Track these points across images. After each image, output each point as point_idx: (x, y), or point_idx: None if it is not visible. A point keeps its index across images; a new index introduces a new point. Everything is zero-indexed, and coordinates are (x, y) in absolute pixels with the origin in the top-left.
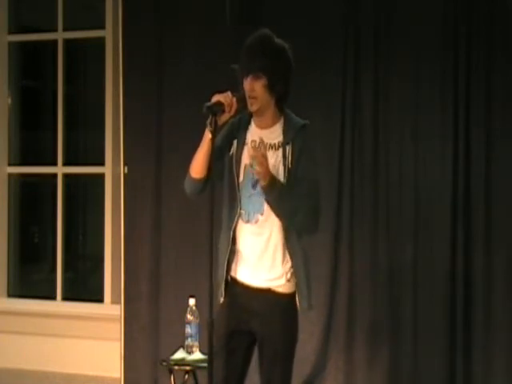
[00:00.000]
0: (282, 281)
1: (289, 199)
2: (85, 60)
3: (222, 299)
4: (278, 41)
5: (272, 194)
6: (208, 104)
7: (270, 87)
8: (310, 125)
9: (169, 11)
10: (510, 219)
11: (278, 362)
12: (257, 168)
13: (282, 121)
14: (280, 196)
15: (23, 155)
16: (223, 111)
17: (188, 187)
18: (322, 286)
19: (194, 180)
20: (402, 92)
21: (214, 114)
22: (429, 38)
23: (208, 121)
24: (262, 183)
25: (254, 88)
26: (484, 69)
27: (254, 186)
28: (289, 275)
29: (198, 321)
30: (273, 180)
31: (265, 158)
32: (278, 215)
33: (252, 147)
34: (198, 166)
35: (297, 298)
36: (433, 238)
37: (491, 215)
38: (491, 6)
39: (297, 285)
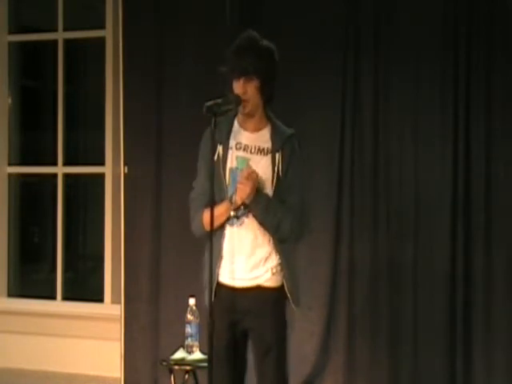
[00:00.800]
0: (268, 275)
1: (274, 211)
2: (85, 60)
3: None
4: (265, 42)
5: (257, 208)
6: (208, 104)
7: (261, 89)
8: (310, 125)
9: (169, 11)
10: (510, 219)
11: (271, 354)
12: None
13: (269, 127)
14: (265, 209)
15: (23, 155)
16: (226, 111)
17: (198, 232)
18: (321, 286)
19: (206, 231)
20: (402, 92)
21: (214, 114)
22: (429, 38)
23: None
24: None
25: (247, 90)
26: (484, 69)
27: None
28: (274, 270)
29: (198, 321)
30: (257, 196)
31: (251, 189)
32: (262, 225)
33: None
34: (210, 224)
35: (287, 294)
36: (433, 238)
37: (491, 215)
38: (491, 6)
39: (286, 282)
